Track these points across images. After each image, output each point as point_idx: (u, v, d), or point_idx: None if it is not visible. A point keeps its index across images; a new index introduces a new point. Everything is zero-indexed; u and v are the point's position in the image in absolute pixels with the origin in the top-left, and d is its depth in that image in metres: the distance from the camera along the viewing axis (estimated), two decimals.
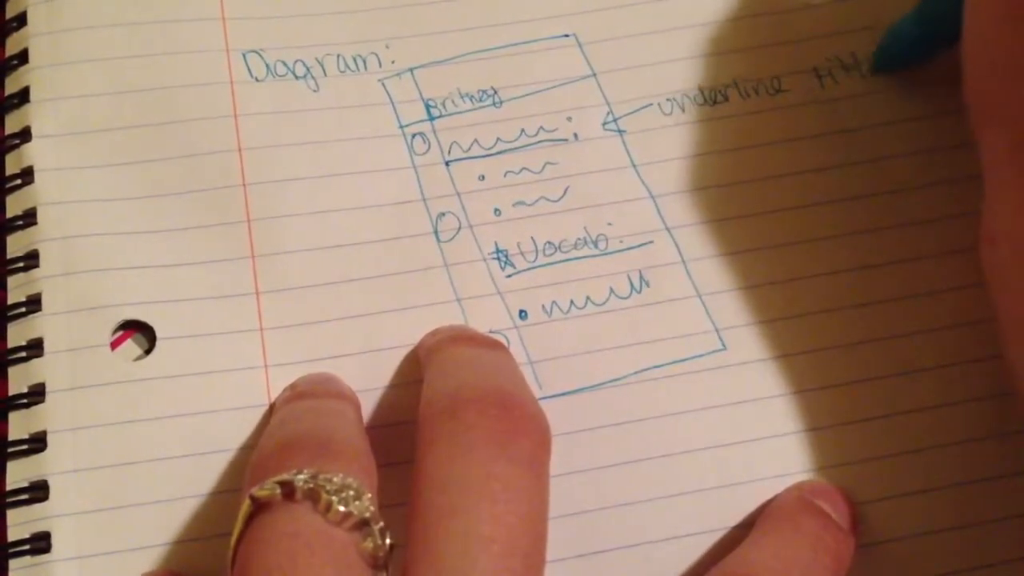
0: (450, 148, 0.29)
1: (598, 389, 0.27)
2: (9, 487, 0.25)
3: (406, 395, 0.26)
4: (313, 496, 0.20)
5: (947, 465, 0.26)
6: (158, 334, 0.26)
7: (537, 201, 0.28)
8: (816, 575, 0.23)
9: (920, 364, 0.27)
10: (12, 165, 0.28)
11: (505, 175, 0.29)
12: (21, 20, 0.30)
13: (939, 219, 0.28)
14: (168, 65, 0.29)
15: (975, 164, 0.23)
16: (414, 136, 0.29)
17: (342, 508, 0.20)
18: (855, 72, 0.30)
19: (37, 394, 0.26)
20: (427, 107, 0.29)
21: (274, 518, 0.20)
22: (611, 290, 0.28)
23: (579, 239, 0.28)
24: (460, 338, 0.25)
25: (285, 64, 0.30)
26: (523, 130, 0.29)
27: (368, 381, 0.26)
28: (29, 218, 0.27)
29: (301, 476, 0.20)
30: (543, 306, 0.27)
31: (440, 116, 0.29)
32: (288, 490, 0.20)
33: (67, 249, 0.27)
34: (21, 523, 0.25)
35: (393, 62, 0.30)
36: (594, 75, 0.30)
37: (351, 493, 0.20)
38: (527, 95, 0.30)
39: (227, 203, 0.28)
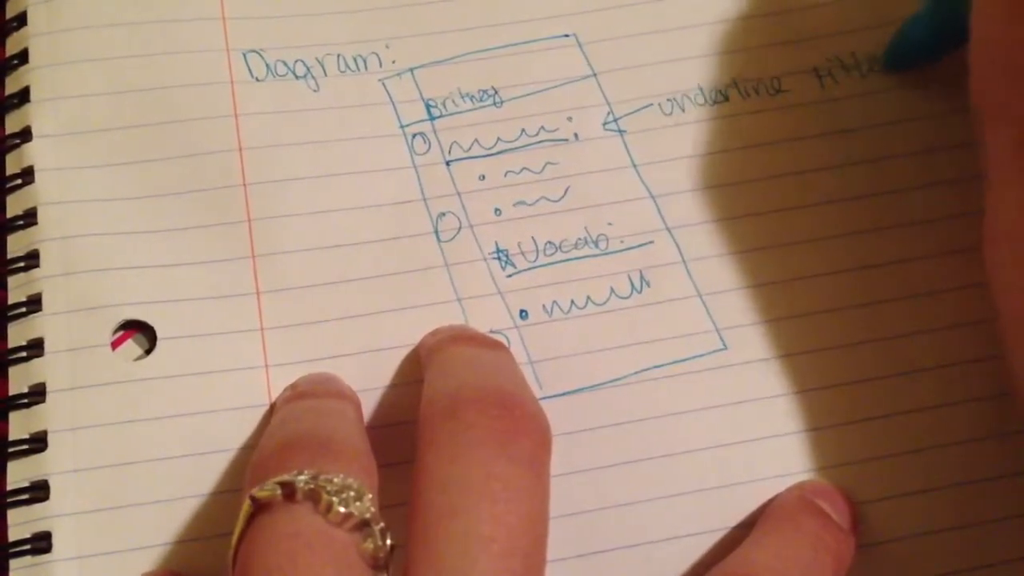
0: (450, 148, 0.29)
1: (598, 389, 0.27)
2: (10, 487, 0.25)
3: (406, 395, 0.26)
4: (314, 497, 0.20)
5: (947, 465, 0.26)
6: (158, 334, 0.26)
7: (538, 201, 0.28)
8: (816, 575, 0.23)
9: (920, 364, 0.27)
10: (12, 165, 0.28)
11: (505, 175, 0.29)
12: (21, 20, 0.30)
13: (939, 219, 0.28)
14: (168, 65, 0.29)
15: (976, 164, 0.23)
16: (414, 136, 0.29)
17: (343, 509, 0.20)
18: (855, 72, 0.30)
19: (37, 394, 0.26)
20: (427, 107, 0.29)
21: (275, 518, 0.20)
22: (612, 290, 0.28)
23: (580, 239, 0.28)
24: (461, 338, 0.25)
25: (285, 64, 0.30)
26: (523, 130, 0.29)
27: (368, 381, 0.26)
28: (29, 218, 0.27)
29: (302, 477, 0.20)
30: (543, 306, 0.27)
31: (440, 116, 0.29)
32: (289, 491, 0.20)
33: (67, 249, 0.27)
34: (21, 523, 0.25)
35: (393, 62, 0.30)
36: (594, 75, 0.30)
37: (352, 494, 0.20)
38: (527, 95, 0.30)
39: (227, 203, 0.28)
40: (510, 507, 0.20)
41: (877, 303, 0.28)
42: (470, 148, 0.29)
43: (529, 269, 0.28)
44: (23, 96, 0.29)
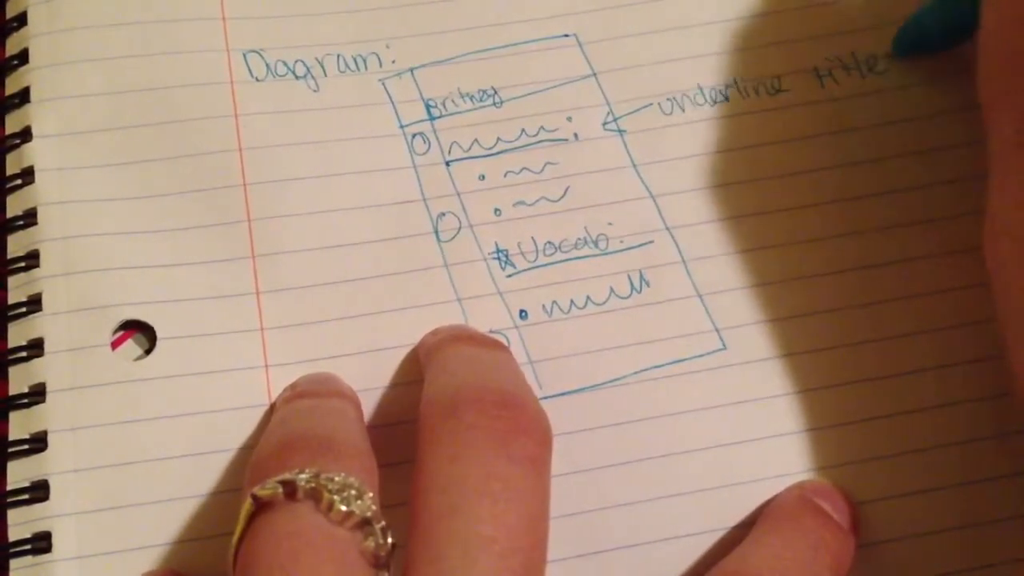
0: (450, 148, 0.29)
1: (598, 389, 0.27)
2: (10, 487, 0.25)
3: (406, 395, 0.26)
4: (315, 495, 0.20)
5: (948, 465, 0.26)
6: (158, 334, 0.26)
7: (537, 201, 0.28)
8: (816, 575, 0.23)
9: (921, 364, 0.27)
10: (12, 165, 0.28)
11: (505, 175, 0.29)
12: (21, 20, 0.30)
13: (940, 219, 0.28)
14: (168, 65, 0.29)
15: (976, 164, 0.23)
16: (414, 136, 0.29)
17: (344, 507, 0.20)
18: (855, 72, 0.30)
19: (38, 394, 0.26)
20: (427, 107, 0.29)
21: (276, 517, 0.20)
22: (611, 290, 0.28)
23: (579, 239, 0.28)
24: (461, 338, 0.25)
25: (285, 64, 0.30)
26: (523, 130, 0.29)
27: (368, 381, 0.26)
28: (29, 218, 0.27)
29: (303, 475, 0.20)
30: (543, 306, 0.27)
31: (440, 116, 0.29)
32: (290, 489, 0.20)
33: (67, 249, 0.27)
34: (22, 523, 0.25)
35: (393, 62, 0.30)
36: (594, 75, 0.30)
37: (352, 492, 0.20)
38: (527, 95, 0.30)
39: (227, 203, 0.28)
40: (510, 507, 0.20)
41: (877, 303, 0.28)
42: (470, 148, 0.29)
43: (529, 269, 0.28)
44: (23, 96, 0.29)
